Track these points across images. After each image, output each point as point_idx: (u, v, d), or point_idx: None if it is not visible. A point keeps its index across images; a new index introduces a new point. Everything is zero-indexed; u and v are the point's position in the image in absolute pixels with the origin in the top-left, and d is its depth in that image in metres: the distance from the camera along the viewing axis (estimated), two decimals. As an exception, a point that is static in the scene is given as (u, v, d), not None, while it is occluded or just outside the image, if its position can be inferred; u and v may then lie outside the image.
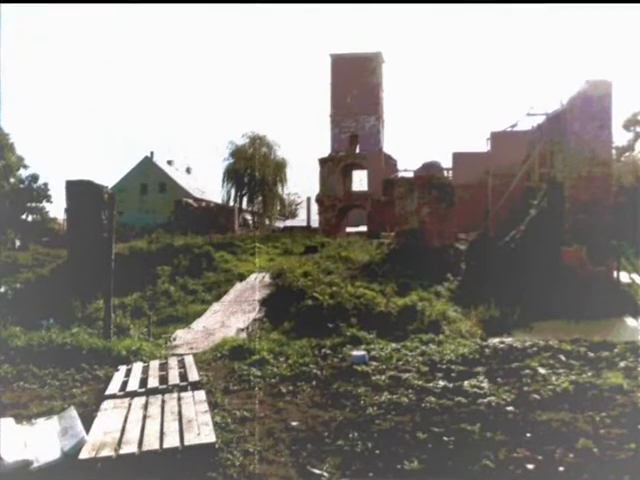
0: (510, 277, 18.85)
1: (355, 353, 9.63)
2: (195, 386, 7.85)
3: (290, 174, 63.63)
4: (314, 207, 48.72)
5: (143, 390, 7.71)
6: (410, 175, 37.84)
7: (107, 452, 5.47)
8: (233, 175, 61.34)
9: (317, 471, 5.37)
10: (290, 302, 15.49)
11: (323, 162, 46.21)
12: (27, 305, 16.39)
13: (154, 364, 9.18)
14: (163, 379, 8.23)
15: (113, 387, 7.88)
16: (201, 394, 7.25)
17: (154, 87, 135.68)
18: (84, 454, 5.45)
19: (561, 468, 5.26)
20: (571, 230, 20.59)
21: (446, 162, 37.25)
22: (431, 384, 8.03)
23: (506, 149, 28.45)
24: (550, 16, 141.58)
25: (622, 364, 8.94)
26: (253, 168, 60.55)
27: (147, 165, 63.42)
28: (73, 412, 6.51)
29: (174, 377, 8.29)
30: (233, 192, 61.75)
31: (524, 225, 22.30)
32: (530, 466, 5.30)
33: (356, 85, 46.65)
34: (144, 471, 5.31)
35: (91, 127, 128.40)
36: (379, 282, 18.10)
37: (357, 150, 47.29)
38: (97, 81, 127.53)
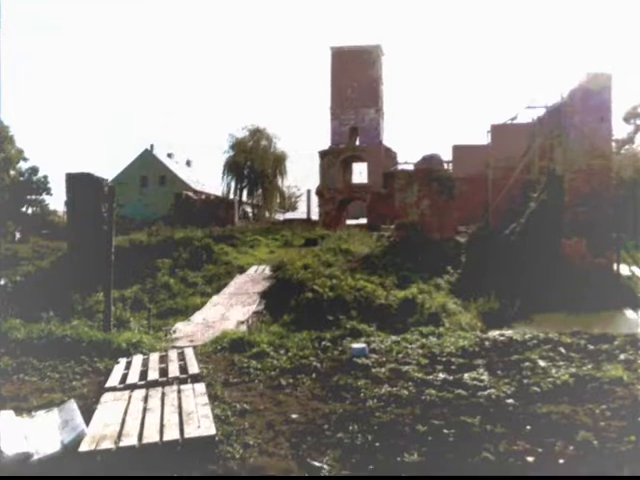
0: (510, 270, 18.84)
1: (355, 346, 9.62)
2: (195, 379, 7.84)
3: (290, 166, 63.63)
4: (314, 199, 48.78)
5: (143, 383, 7.70)
6: (410, 168, 37.78)
7: (107, 445, 5.47)
8: (233, 168, 61.34)
9: (317, 463, 5.37)
10: (290, 295, 15.48)
11: (323, 155, 46.19)
12: (27, 298, 16.35)
13: (154, 357, 9.17)
14: (163, 372, 8.23)
15: (113, 380, 7.87)
16: (201, 387, 7.24)
17: (155, 79, 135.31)
18: (84, 446, 5.45)
19: (561, 460, 5.26)
20: (571, 223, 20.54)
21: (446, 155, 37.18)
22: (431, 376, 8.02)
23: (506, 142, 28.33)
24: (550, 8, 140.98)
25: (622, 357, 8.93)
26: (253, 161, 60.55)
27: (147, 158, 63.32)
28: (73, 404, 6.50)
29: (174, 370, 8.28)
30: (233, 185, 61.87)
31: (524, 218, 22.26)
32: (530, 458, 5.30)
33: (356, 78, 46.56)
34: (144, 464, 5.31)
35: (91, 120, 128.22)
36: (379, 275, 18.10)
37: (357, 143, 47.28)
38: (97, 74, 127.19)
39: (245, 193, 62.67)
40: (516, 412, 6.53)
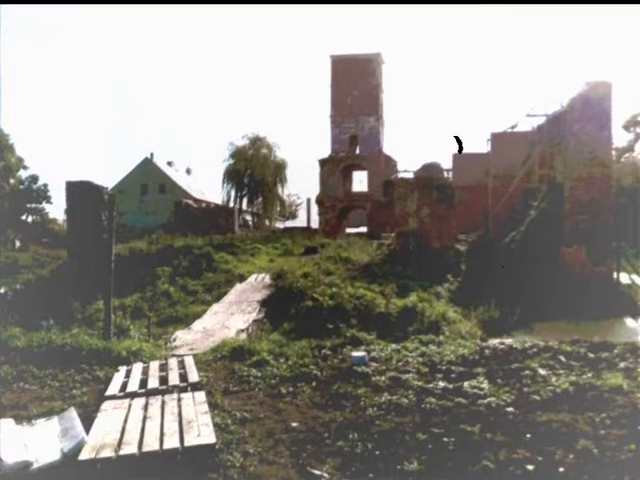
0: (510, 278, 18.85)
1: (355, 354, 9.61)
2: (195, 387, 7.84)
3: (290, 175, 63.78)
4: (314, 208, 48.82)
5: (143, 391, 7.70)
6: (410, 176, 37.89)
7: (107, 453, 5.46)
8: (233, 176, 61.47)
9: (317, 472, 5.36)
10: (290, 303, 15.49)
11: (323, 163, 46.30)
12: (27, 306, 16.35)
13: (154, 365, 9.17)
14: (163, 380, 8.22)
15: (113, 388, 7.87)
16: (201, 395, 7.24)
17: (155, 88, 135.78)
18: (84, 455, 5.44)
19: (561, 469, 5.25)
20: (571, 231, 20.57)
21: (446, 163, 37.32)
22: (431, 385, 8.01)
23: (506, 150, 28.49)
24: (550, 17, 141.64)
25: (622, 365, 8.91)
26: (253, 169, 60.67)
27: (147, 166, 63.45)
28: (73, 413, 6.50)
29: (174, 378, 8.27)
30: (233, 193, 61.98)
31: (524, 226, 22.29)
32: (530, 467, 5.30)
33: (356, 86, 46.75)
34: (144, 472, 5.30)
35: (91, 128, 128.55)
36: (379, 283, 18.10)
37: (357, 151, 47.41)
38: (97, 82, 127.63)
39: (245, 201, 62.81)
40: (516, 420, 6.52)
